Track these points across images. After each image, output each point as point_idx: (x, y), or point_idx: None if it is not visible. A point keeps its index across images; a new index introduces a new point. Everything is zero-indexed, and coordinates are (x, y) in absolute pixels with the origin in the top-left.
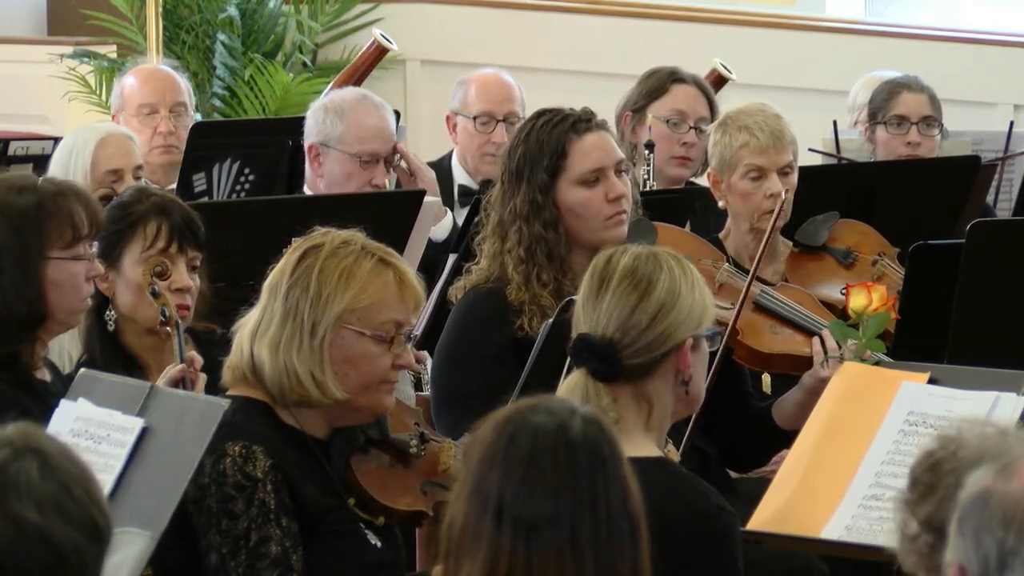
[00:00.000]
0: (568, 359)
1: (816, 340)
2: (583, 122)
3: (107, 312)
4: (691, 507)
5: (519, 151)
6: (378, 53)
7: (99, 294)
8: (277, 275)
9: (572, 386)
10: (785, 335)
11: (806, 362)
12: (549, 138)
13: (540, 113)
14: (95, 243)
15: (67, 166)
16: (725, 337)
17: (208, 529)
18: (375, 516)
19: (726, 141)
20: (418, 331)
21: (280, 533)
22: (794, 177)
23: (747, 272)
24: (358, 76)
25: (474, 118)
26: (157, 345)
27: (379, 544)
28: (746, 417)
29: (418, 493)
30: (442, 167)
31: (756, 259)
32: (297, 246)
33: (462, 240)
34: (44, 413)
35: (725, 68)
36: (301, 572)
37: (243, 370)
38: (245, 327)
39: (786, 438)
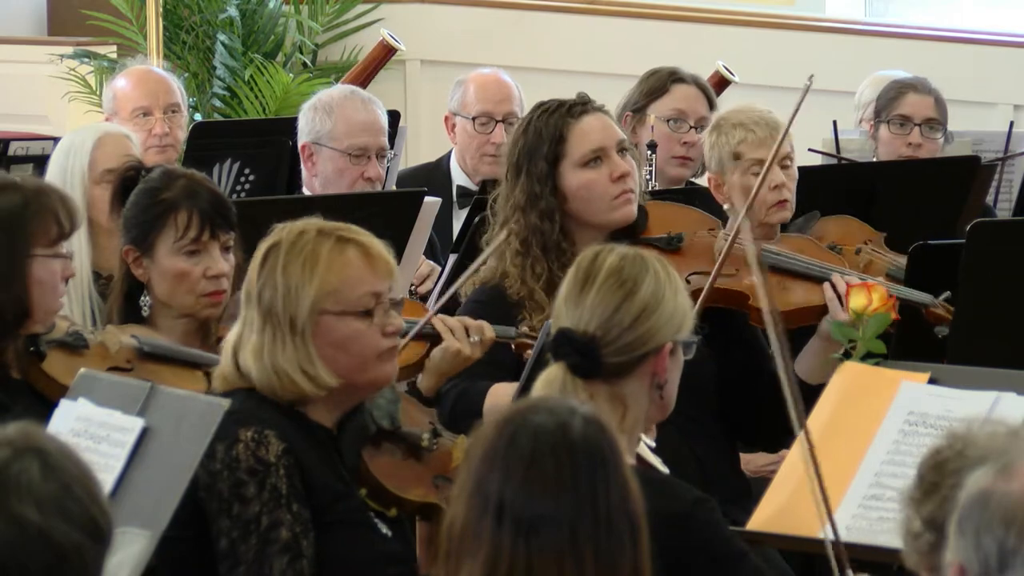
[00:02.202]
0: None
1: (827, 286)
2: (579, 105)
3: (142, 298)
4: (669, 508)
5: (519, 144)
6: (385, 52)
7: (132, 280)
8: (248, 284)
9: (550, 379)
10: (794, 288)
11: (821, 311)
12: (547, 126)
13: (537, 106)
14: (69, 244)
15: (65, 166)
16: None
17: (219, 515)
18: (387, 507)
19: (723, 141)
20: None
21: (291, 518)
22: (794, 169)
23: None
24: (366, 76)
25: (473, 118)
26: (189, 329)
27: (390, 535)
28: (771, 388)
29: (430, 486)
30: (440, 168)
31: (739, 216)
32: (259, 249)
33: (462, 240)
34: (26, 412)
35: (728, 70)
36: (311, 558)
37: (234, 378)
38: (230, 341)
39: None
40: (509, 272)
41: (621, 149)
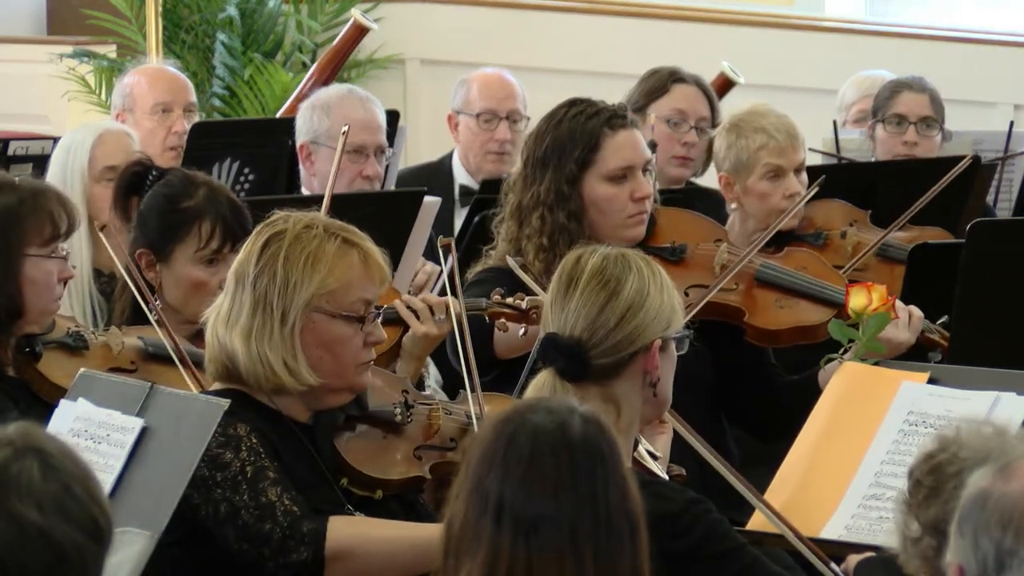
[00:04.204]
0: None
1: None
2: (618, 118)
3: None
4: (663, 510)
5: (548, 138)
6: (358, 33)
7: (144, 282)
8: (242, 263)
9: (540, 386)
10: (791, 306)
11: (814, 330)
12: (583, 129)
13: (572, 103)
14: (66, 246)
15: (65, 164)
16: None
17: (208, 493)
18: (372, 490)
19: (742, 144)
20: None
21: (274, 468)
22: (804, 175)
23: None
24: (340, 57)
25: (477, 115)
26: (195, 333)
27: None
28: (776, 387)
29: (411, 459)
30: (443, 167)
31: (759, 241)
32: (259, 233)
33: (462, 240)
34: (26, 411)
35: (733, 71)
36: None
37: (222, 361)
38: (216, 316)
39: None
40: (532, 266)
41: (646, 169)
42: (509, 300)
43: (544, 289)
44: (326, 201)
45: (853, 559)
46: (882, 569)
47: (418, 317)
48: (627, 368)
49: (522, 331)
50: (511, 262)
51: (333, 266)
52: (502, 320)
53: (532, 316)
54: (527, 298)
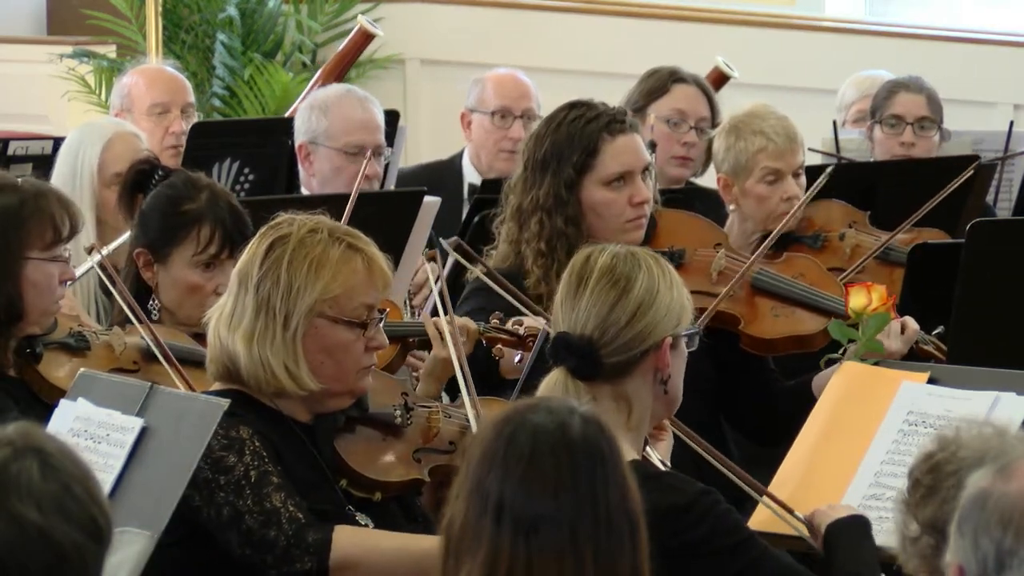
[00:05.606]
0: None
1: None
2: (617, 123)
3: (151, 302)
4: (670, 501)
5: (547, 141)
6: (364, 39)
7: (141, 283)
8: (246, 265)
9: (552, 385)
10: (786, 315)
11: (810, 340)
12: (581, 134)
13: (572, 105)
14: (69, 247)
15: (74, 167)
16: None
17: (211, 496)
18: (371, 492)
19: (741, 146)
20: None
21: (277, 472)
22: (803, 178)
23: (746, 257)
24: (345, 63)
25: (491, 113)
26: (192, 335)
27: (370, 525)
28: (774, 393)
29: (411, 462)
30: (453, 166)
31: (760, 250)
32: (264, 235)
33: (464, 238)
34: (26, 411)
35: (727, 66)
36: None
37: (223, 362)
38: (218, 317)
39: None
40: (531, 271)
41: (645, 172)
42: (507, 326)
43: (532, 299)
44: (348, 209)
45: (819, 511)
46: (856, 531)
47: (442, 339)
48: (638, 366)
49: (518, 357)
50: (484, 279)
51: (337, 271)
52: (498, 346)
53: (529, 343)
54: (525, 324)
